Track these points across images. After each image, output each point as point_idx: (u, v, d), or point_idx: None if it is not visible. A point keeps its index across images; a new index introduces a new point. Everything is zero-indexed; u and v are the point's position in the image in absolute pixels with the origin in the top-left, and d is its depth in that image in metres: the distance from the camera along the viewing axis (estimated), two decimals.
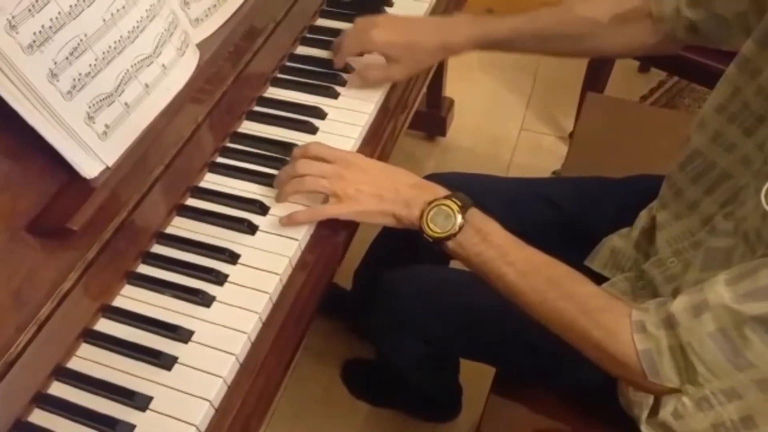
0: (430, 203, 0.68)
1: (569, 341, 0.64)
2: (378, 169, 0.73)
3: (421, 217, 0.68)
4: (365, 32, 0.83)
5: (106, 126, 0.66)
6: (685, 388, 0.57)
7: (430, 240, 0.68)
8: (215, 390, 0.60)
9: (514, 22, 0.84)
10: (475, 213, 0.68)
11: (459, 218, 0.66)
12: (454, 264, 0.78)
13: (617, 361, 0.59)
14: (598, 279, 0.81)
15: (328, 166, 0.72)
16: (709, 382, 0.56)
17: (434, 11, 1.01)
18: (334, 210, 0.71)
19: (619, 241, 0.82)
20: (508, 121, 1.78)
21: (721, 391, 0.56)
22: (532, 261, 0.66)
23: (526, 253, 0.66)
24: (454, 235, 0.66)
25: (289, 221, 0.71)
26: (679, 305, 0.57)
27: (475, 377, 0.98)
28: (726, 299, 0.54)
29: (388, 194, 0.70)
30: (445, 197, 0.68)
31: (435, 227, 0.67)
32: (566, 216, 0.90)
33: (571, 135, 1.63)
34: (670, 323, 0.57)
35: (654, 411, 0.67)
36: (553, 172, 1.55)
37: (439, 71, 1.57)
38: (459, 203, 0.67)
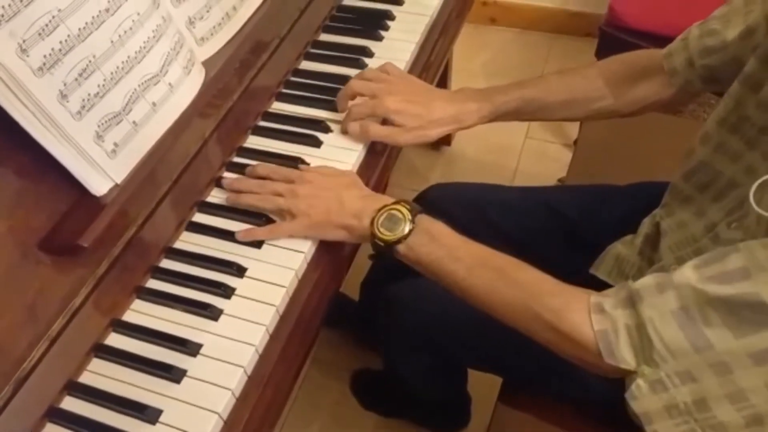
0: (379, 210, 0.70)
1: (522, 329, 0.64)
2: (330, 184, 0.74)
3: (371, 224, 0.69)
4: (379, 99, 0.82)
5: (115, 144, 0.67)
6: (641, 369, 0.57)
7: (381, 245, 0.69)
8: (224, 402, 0.61)
9: (523, 94, 0.84)
10: (423, 216, 0.69)
11: (408, 221, 0.68)
12: None
13: (572, 341, 0.60)
14: (603, 287, 0.81)
15: (282, 184, 0.74)
16: (665, 361, 0.55)
17: (441, 13, 1.02)
18: (288, 227, 0.73)
19: (623, 249, 0.82)
20: (513, 129, 1.78)
21: (676, 373, 0.55)
22: (478, 255, 0.67)
23: (471, 248, 0.68)
24: (405, 237, 0.68)
25: (246, 235, 0.72)
26: (644, 281, 0.58)
27: (483, 386, 0.98)
28: (692, 280, 0.55)
29: (336, 207, 0.72)
30: (395, 202, 0.70)
31: (385, 231, 0.69)
32: (570, 223, 0.91)
33: (575, 142, 1.63)
34: (632, 300, 0.58)
35: None
36: (559, 180, 1.55)
37: (444, 80, 1.58)
38: (408, 207, 0.69)
